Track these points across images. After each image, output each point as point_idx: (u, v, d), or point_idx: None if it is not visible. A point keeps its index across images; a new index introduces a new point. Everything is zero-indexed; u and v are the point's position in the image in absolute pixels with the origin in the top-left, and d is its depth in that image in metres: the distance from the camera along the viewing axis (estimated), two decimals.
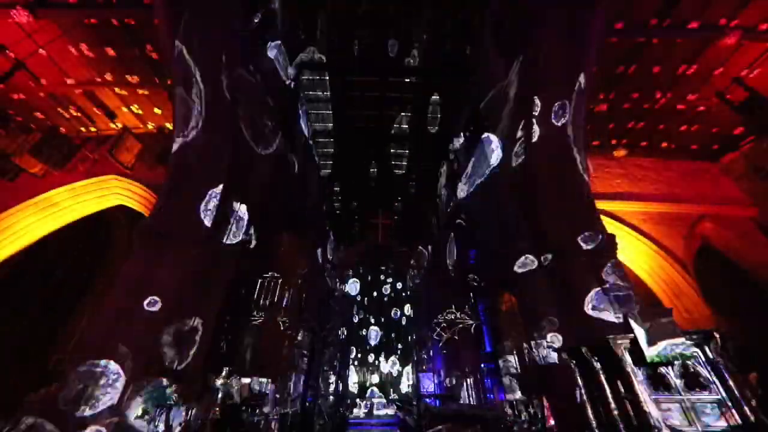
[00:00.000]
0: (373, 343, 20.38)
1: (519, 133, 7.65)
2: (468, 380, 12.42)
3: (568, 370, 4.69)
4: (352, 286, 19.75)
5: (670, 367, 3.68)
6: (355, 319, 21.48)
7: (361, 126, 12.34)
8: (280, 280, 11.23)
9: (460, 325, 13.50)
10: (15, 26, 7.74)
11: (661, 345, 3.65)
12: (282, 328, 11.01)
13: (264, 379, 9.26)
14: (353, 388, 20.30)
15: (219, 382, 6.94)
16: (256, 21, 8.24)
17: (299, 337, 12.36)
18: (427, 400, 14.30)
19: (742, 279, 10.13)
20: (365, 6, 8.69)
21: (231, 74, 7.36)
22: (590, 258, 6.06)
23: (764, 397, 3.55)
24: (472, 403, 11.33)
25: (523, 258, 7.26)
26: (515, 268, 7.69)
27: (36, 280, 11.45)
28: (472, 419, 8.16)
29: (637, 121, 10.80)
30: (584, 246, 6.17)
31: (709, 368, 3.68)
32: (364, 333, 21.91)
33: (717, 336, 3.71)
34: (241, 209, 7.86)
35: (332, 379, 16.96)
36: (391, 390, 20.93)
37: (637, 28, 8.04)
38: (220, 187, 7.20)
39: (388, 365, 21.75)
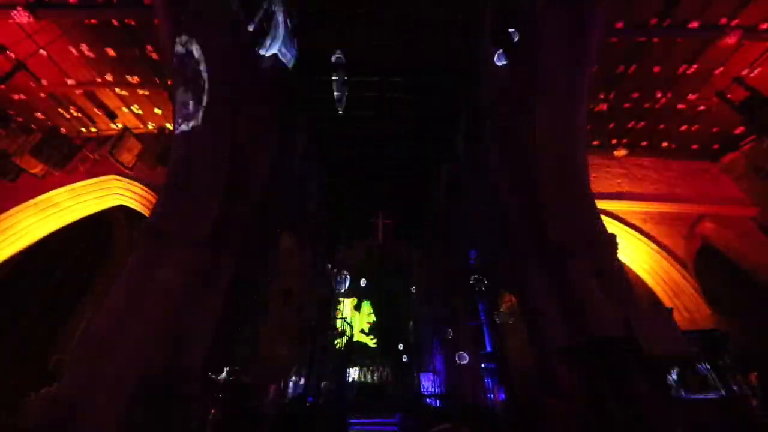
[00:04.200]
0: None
1: (519, 134, 7.65)
2: (468, 380, 12.42)
3: (569, 370, 4.69)
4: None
5: (670, 368, 3.67)
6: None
7: (361, 126, 12.34)
8: (280, 280, 11.24)
9: (460, 326, 13.50)
10: (15, 27, 7.75)
11: (662, 345, 3.65)
12: (282, 327, 11.01)
13: (264, 379, 9.26)
14: (354, 387, 20.27)
15: (219, 382, 6.94)
16: (257, 20, 8.24)
17: (299, 337, 12.37)
18: (427, 400, 14.29)
19: (742, 279, 10.12)
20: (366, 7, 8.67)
21: (231, 74, 7.36)
22: (591, 258, 6.05)
23: (765, 397, 3.55)
24: (471, 403, 11.32)
25: (523, 258, 7.26)
26: (515, 268, 7.70)
27: (36, 280, 11.45)
28: (470, 418, 8.16)
29: (638, 121, 10.79)
30: (585, 246, 6.16)
31: (709, 368, 3.68)
32: (364, 332, 21.90)
33: (718, 335, 3.72)
34: (241, 209, 7.86)
35: (333, 378, 16.96)
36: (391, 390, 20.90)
37: (637, 28, 8.02)
38: (221, 186, 7.20)
39: (388, 366, 21.74)
